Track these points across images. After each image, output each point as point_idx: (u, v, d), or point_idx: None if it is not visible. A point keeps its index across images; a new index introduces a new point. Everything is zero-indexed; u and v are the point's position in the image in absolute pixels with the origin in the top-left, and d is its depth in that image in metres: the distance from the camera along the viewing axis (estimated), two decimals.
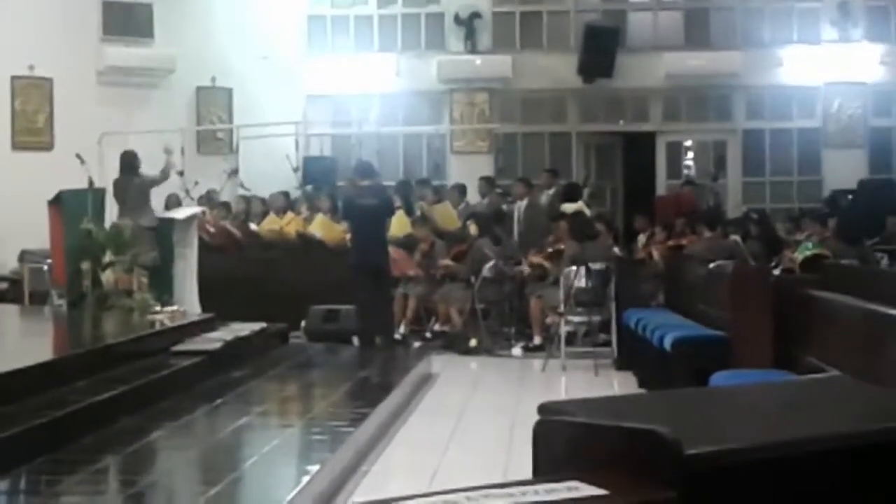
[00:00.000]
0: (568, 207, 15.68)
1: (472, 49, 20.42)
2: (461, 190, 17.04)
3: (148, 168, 14.05)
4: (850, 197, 18.90)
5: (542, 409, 3.16)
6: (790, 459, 2.87)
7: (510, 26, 20.83)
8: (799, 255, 12.02)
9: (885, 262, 12.91)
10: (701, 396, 4.02)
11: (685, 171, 21.10)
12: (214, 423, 8.44)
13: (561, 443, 3.00)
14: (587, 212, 15.47)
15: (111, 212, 13.78)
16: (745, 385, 5.30)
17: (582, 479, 2.78)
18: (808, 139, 20.49)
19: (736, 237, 13.26)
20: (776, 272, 11.20)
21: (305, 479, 6.59)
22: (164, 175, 14.08)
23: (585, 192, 17.45)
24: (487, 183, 17.25)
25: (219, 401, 9.00)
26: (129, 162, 13.90)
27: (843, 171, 19.87)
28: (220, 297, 13.11)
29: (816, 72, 20.10)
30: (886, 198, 18.32)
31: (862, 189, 19.14)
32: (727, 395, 4.00)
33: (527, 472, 3.15)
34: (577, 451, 2.94)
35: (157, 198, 14.68)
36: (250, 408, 8.86)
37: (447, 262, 14.71)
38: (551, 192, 17.29)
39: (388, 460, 8.14)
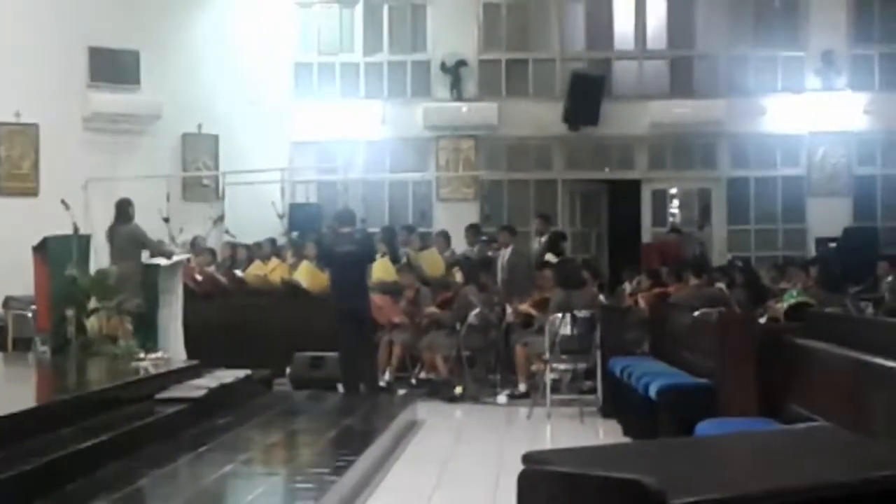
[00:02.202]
0: (551, 258, 15.77)
1: (458, 96, 20.50)
2: (446, 237, 17.04)
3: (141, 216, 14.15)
4: (833, 245, 19.01)
5: (527, 458, 3.15)
6: None
7: (496, 74, 20.94)
8: (784, 304, 12.03)
9: (869, 310, 12.93)
10: (686, 446, 4.01)
11: (670, 219, 21.16)
12: (199, 471, 8.38)
13: (545, 492, 2.99)
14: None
15: (98, 257, 13.81)
16: (730, 434, 5.29)
17: None
18: (793, 187, 20.57)
19: (721, 285, 13.28)
20: (761, 320, 11.20)
21: None
22: (166, 254, 14.10)
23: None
24: (474, 231, 17.28)
25: (203, 448, 8.95)
26: (123, 209, 13.93)
27: (828, 219, 19.97)
28: (204, 344, 13.09)
29: (801, 120, 20.21)
30: (871, 245, 18.41)
31: (847, 237, 19.22)
32: (712, 444, 3.99)
33: None
34: (561, 501, 2.93)
35: None
36: (235, 455, 8.80)
37: (433, 309, 14.70)
38: (543, 238, 17.35)
39: None
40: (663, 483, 2.71)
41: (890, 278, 14.80)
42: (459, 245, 17.20)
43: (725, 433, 5.69)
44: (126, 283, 13.14)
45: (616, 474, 2.83)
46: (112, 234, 13.84)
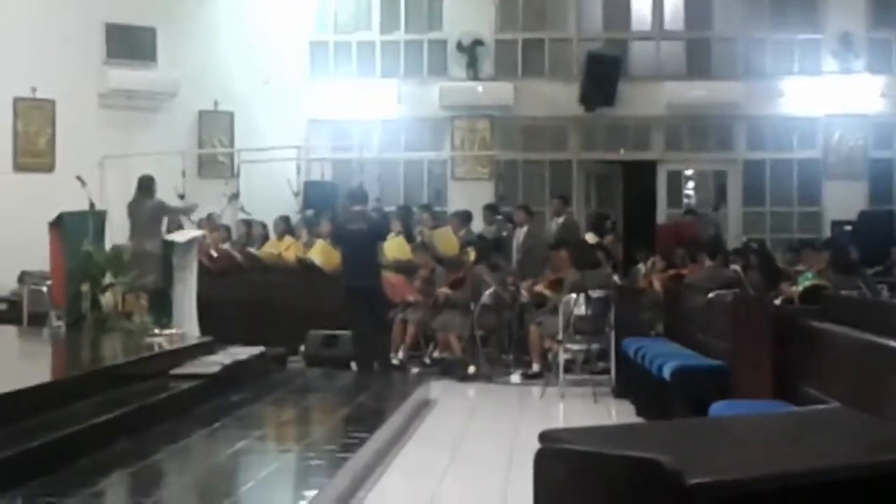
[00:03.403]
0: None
1: (474, 76, 20.45)
2: (465, 217, 16.99)
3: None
4: (848, 228, 18.97)
5: (543, 437, 3.14)
6: (791, 490, 2.86)
7: (512, 54, 20.88)
8: (798, 287, 12.00)
9: (885, 292, 12.88)
10: (702, 426, 4.01)
11: (686, 201, 21.12)
12: (212, 447, 8.41)
13: (562, 471, 2.99)
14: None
15: (114, 233, 13.83)
16: (746, 415, 5.28)
17: None
18: (809, 170, 20.51)
19: (736, 267, 13.24)
20: (776, 302, 11.17)
21: None
22: (189, 210, 14.27)
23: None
24: (491, 210, 17.27)
25: (217, 424, 8.98)
26: (145, 185, 13.94)
27: (844, 202, 19.91)
28: (219, 321, 13.11)
29: (817, 103, 20.14)
30: (887, 229, 18.36)
31: (862, 220, 19.17)
32: (728, 425, 3.99)
33: (525, 500, 3.14)
34: (577, 480, 2.93)
35: None
36: (248, 432, 8.83)
37: (445, 290, 14.68)
38: (561, 219, 17.32)
39: (386, 486, 8.11)
40: (680, 463, 2.71)
41: None
42: (475, 225, 17.19)
43: (740, 414, 5.68)
44: (149, 258, 13.17)
45: (633, 453, 2.82)
46: (134, 209, 13.84)
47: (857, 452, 3.25)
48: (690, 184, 21.54)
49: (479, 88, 20.37)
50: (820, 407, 5.76)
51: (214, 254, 15.68)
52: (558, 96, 20.40)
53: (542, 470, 3.05)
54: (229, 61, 18.93)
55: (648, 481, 2.72)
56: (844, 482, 2.95)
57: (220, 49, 18.95)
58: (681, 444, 3.23)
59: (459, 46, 20.50)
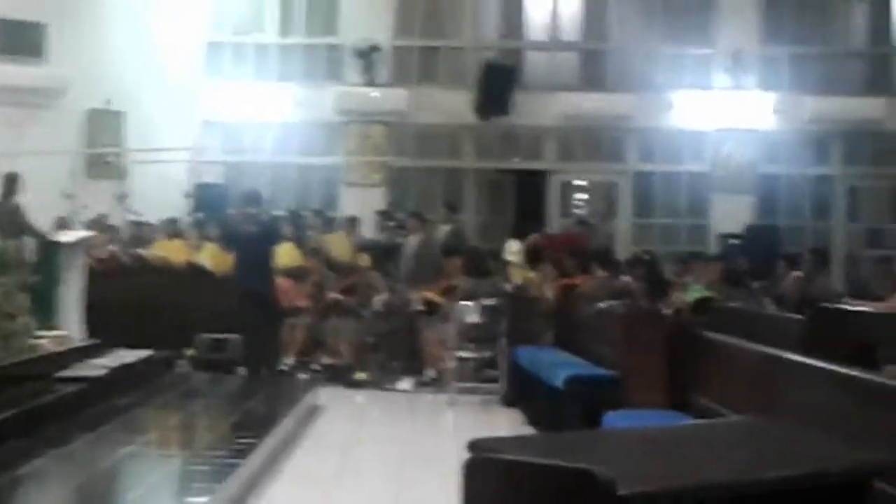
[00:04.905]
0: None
1: (370, 82, 20.38)
2: (353, 222, 16.95)
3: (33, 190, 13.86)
4: (736, 242, 19.18)
5: (473, 445, 3.10)
6: (719, 501, 2.85)
7: (408, 60, 20.87)
8: (688, 297, 12.11)
9: (770, 305, 13.05)
10: (627, 436, 4.00)
11: (576, 211, 21.23)
12: (97, 452, 8.23)
13: (492, 481, 2.94)
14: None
15: None
16: (668, 426, 5.31)
17: None
18: (697, 183, 20.74)
19: (627, 278, 13.32)
20: (666, 312, 11.25)
21: None
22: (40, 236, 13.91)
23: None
24: (384, 216, 17.23)
25: (103, 429, 8.82)
26: (8, 185, 13.65)
27: (731, 215, 20.14)
28: (105, 323, 12.86)
29: (707, 117, 20.37)
30: (773, 243, 18.61)
31: (749, 234, 19.41)
32: (652, 435, 3.98)
33: None
34: (508, 490, 2.88)
35: (46, 221, 14.41)
36: (134, 436, 8.69)
37: (336, 295, 14.59)
38: (448, 227, 17.33)
39: (275, 493, 8.01)
40: (613, 473, 2.68)
41: (795, 274, 14.95)
42: (367, 231, 17.12)
43: (666, 425, 5.70)
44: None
45: (565, 463, 2.79)
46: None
47: (783, 463, 3.24)
48: (582, 194, 21.67)
49: (375, 94, 20.32)
50: (733, 419, 5.80)
51: (101, 256, 15.42)
52: (453, 104, 20.39)
53: (472, 479, 3.01)
54: (122, 59, 18.60)
55: (581, 491, 2.69)
56: (778, 492, 2.95)
57: (113, 47, 18.61)
58: (611, 454, 3.21)
59: (356, 52, 20.41)
